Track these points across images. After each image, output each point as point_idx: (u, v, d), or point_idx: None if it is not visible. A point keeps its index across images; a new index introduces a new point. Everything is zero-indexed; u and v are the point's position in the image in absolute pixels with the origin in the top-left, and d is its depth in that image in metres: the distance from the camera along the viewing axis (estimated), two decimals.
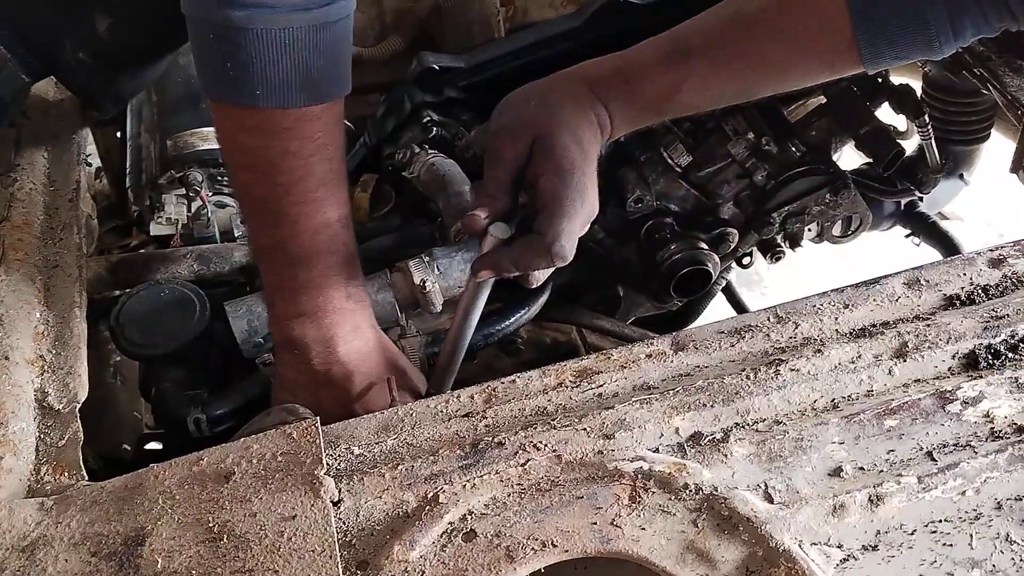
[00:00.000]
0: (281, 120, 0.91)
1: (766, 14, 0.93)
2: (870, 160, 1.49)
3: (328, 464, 0.81)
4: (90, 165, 1.57)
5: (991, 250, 0.99)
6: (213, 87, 0.92)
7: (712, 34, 0.95)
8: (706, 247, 1.37)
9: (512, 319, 1.24)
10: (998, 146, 1.62)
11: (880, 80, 1.48)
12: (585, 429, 0.83)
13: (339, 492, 0.80)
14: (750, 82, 0.98)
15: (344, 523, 0.78)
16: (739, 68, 0.96)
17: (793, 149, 1.37)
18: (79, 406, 0.93)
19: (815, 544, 0.75)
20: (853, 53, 0.91)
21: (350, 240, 1.00)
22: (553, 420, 0.85)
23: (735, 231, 1.40)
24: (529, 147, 0.92)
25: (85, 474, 0.86)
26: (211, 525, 0.76)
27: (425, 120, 1.39)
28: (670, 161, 1.35)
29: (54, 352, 0.98)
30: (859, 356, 0.89)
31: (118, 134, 1.66)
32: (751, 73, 0.96)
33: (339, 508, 0.79)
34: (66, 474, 0.86)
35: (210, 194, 1.42)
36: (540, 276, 0.95)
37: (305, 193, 0.94)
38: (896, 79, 1.52)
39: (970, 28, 0.89)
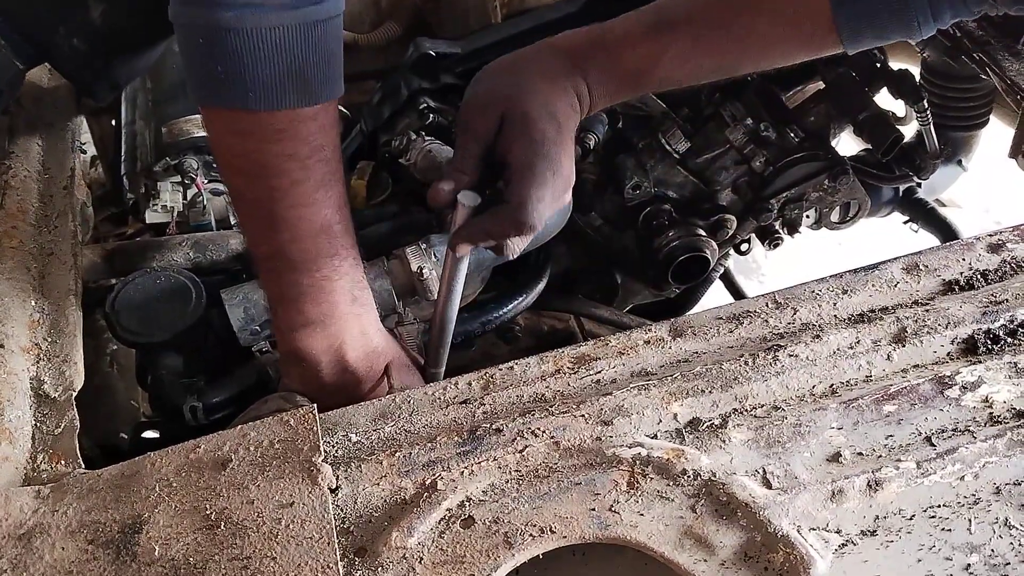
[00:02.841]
0: (274, 122, 0.89)
1: None
2: (868, 146, 1.49)
3: (325, 451, 0.81)
4: (84, 152, 1.56)
5: (990, 235, 0.99)
6: (203, 92, 0.90)
7: (696, 7, 0.95)
8: (704, 234, 1.37)
9: (509, 307, 1.24)
10: (996, 132, 1.62)
11: (878, 65, 1.47)
12: (583, 415, 0.83)
13: (337, 479, 0.79)
14: (731, 57, 0.97)
15: (342, 510, 0.78)
16: (721, 42, 0.96)
17: (791, 135, 1.37)
18: (75, 394, 0.92)
19: (813, 529, 0.75)
20: (833, 33, 0.91)
21: (352, 242, 0.97)
22: (551, 406, 0.84)
23: (733, 218, 1.40)
24: (499, 119, 0.91)
25: (81, 462, 0.86)
26: (208, 512, 0.75)
27: (421, 107, 1.38)
28: (668, 147, 1.34)
29: (50, 340, 0.98)
30: (858, 341, 0.89)
31: (113, 122, 1.66)
32: (732, 48, 0.96)
33: (337, 495, 0.79)
34: (62, 462, 0.86)
35: (206, 181, 1.41)
36: (516, 247, 0.93)
37: (303, 196, 0.92)
38: (895, 64, 1.51)
39: (949, 11, 0.89)
